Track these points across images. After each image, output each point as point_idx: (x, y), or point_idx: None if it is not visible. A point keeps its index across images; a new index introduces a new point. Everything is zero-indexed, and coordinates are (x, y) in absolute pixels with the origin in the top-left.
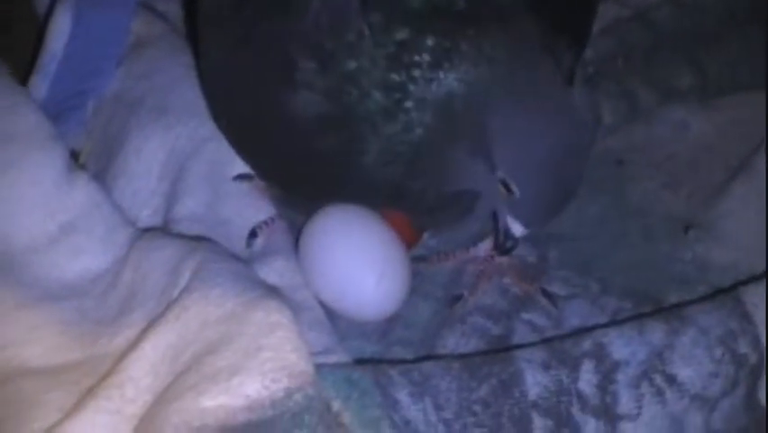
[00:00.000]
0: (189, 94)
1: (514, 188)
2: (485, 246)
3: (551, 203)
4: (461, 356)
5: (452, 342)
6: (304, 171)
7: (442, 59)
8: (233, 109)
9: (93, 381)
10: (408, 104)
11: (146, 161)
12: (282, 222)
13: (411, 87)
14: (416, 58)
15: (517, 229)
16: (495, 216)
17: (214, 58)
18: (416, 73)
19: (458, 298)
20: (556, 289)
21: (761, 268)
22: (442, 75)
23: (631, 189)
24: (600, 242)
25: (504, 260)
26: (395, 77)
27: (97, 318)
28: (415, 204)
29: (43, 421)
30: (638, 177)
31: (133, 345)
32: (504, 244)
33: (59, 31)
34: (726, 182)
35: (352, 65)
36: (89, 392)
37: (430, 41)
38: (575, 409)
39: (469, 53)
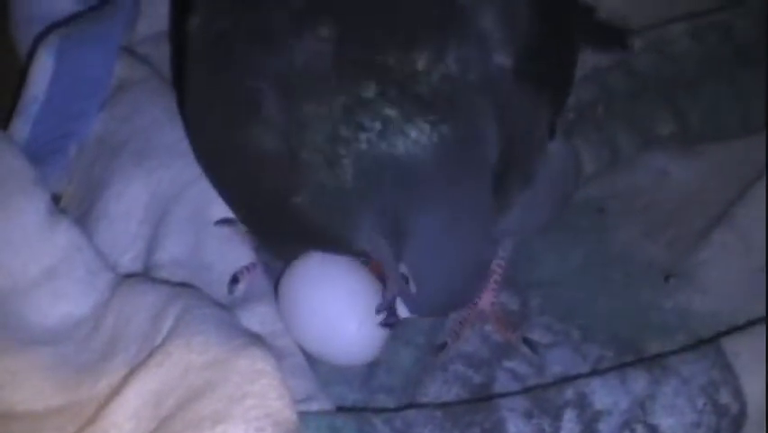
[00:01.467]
0: (171, 137)
1: (411, 285)
2: None
3: (442, 305)
4: (444, 404)
5: (434, 390)
6: (263, 215)
7: (390, 134)
8: (210, 148)
9: (76, 426)
10: (345, 161)
11: (128, 205)
12: (263, 267)
13: (353, 147)
14: (369, 121)
15: (403, 311)
16: (384, 286)
17: (195, 95)
18: (362, 136)
19: (442, 346)
20: (538, 336)
21: (741, 317)
22: (383, 148)
23: (612, 237)
24: (582, 289)
25: (486, 307)
26: (343, 131)
27: (79, 364)
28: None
29: None
30: (619, 225)
31: (116, 390)
32: (386, 320)
33: (42, 73)
34: (706, 230)
35: (310, 108)
36: None
37: (390, 112)
38: None
39: (417, 140)
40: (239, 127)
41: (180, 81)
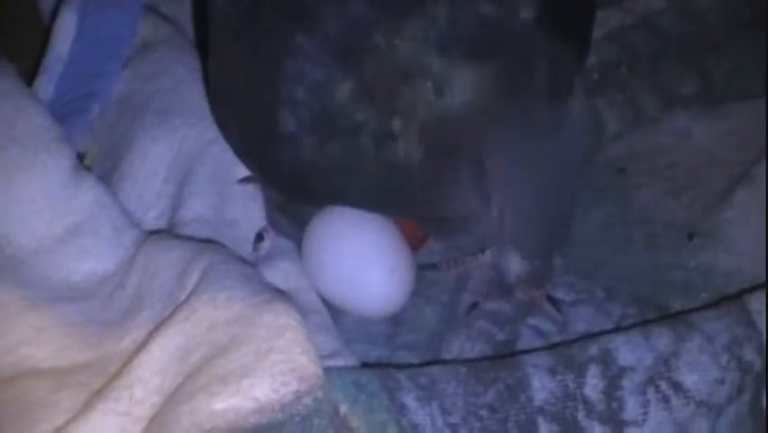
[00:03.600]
0: (195, 96)
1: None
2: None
3: (542, 223)
4: (468, 361)
5: (458, 346)
6: (307, 185)
7: (443, 87)
8: (240, 120)
9: (101, 382)
10: (399, 126)
11: (152, 164)
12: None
13: (407, 111)
14: (418, 82)
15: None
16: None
17: (224, 67)
18: (411, 97)
19: (474, 305)
20: (561, 294)
21: (763, 275)
22: (441, 102)
23: (634, 197)
24: (605, 249)
25: None
26: (393, 101)
27: (105, 320)
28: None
29: (52, 422)
30: (641, 184)
31: (142, 346)
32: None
33: (65, 32)
34: (728, 190)
35: (348, 85)
36: (98, 394)
37: (434, 67)
38: (581, 415)
39: (470, 84)
40: (273, 104)
41: (203, 50)
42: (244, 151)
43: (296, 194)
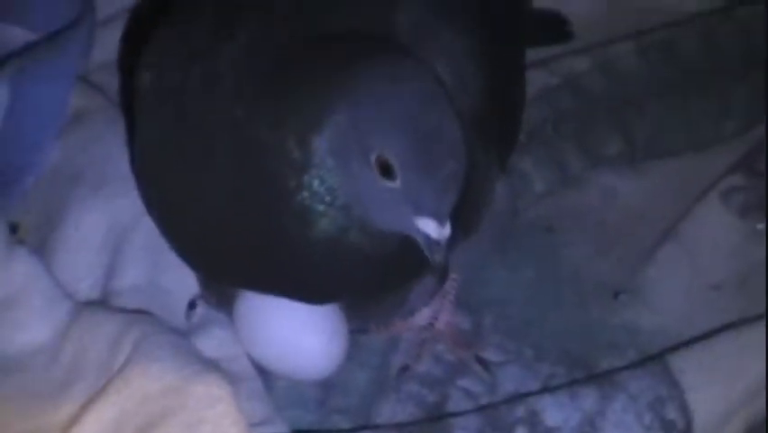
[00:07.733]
0: (128, 166)
1: (393, 162)
2: (424, 315)
3: (440, 173)
4: (398, 425)
5: (388, 410)
6: (229, 256)
7: None
8: (163, 191)
9: None
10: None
11: (85, 234)
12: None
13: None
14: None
15: (432, 229)
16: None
17: (146, 139)
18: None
19: (404, 369)
20: (491, 355)
21: (687, 333)
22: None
23: (562, 256)
24: (534, 308)
25: (443, 327)
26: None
27: (39, 393)
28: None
29: None
30: (569, 243)
31: (76, 419)
32: (433, 258)
33: None
34: (654, 247)
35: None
36: None
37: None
38: None
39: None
40: (197, 179)
41: (130, 121)
42: (164, 226)
43: (208, 270)
